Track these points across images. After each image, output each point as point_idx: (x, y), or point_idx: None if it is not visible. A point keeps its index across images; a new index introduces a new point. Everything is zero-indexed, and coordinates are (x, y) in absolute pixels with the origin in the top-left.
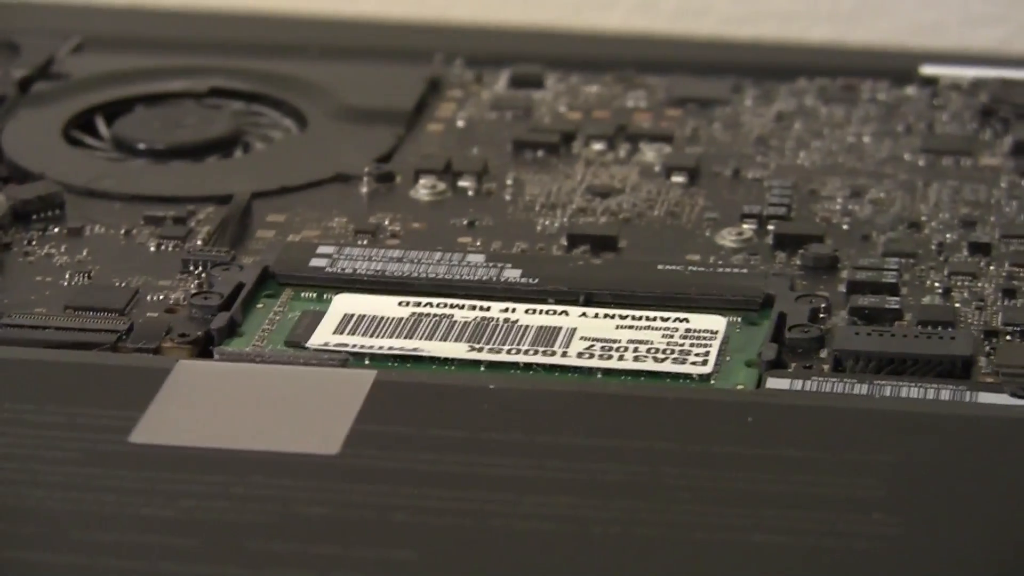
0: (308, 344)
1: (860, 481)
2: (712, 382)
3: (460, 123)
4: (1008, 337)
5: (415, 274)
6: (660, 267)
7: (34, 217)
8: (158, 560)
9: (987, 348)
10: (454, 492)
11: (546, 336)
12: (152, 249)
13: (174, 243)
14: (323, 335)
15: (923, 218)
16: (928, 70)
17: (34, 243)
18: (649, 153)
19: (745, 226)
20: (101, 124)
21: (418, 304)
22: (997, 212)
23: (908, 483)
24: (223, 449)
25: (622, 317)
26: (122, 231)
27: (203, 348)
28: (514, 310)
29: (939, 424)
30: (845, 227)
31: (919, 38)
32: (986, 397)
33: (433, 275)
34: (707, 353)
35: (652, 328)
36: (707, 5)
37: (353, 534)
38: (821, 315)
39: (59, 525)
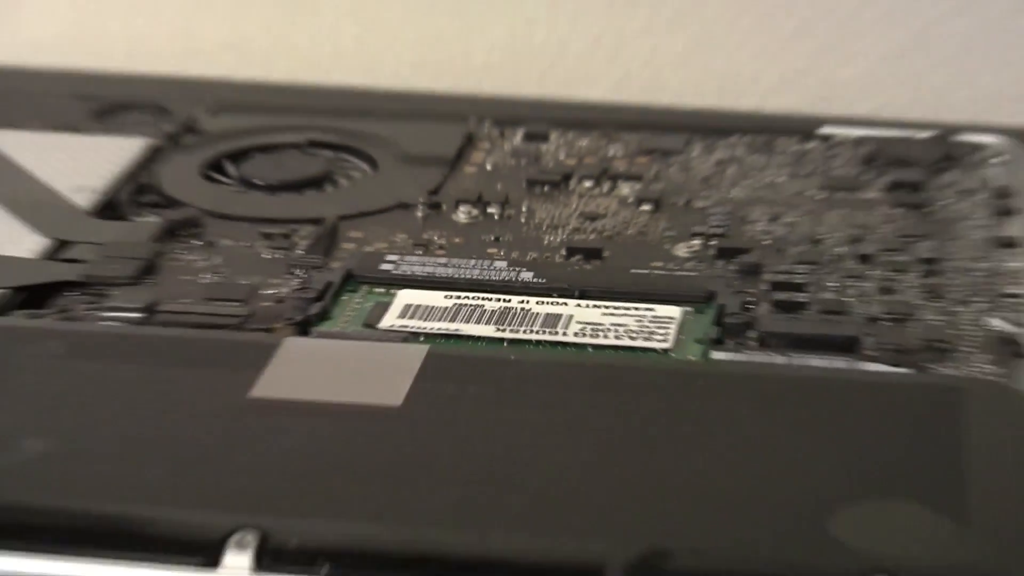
0: (379, 326)
1: (773, 409)
2: (671, 354)
3: (488, 166)
4: (885, 323)
5: (456, 276)
6: (633, 271)
7: (180, 233)
8: (264, 476)
9: (869, 330)
10: (484, 428)
11: (551, 321)
12: (266, 257)
13: (282, 252)
14: (390, 319)
15: (822, 236)
16: (825, 130)
17: (180, 252)
18: (625, 188)
19: (694, 241)
20: (229, 166)
21: (458, 297)
22: (875, 231)
23: (813, 414)
24: (317, 400)
25: (606, 307)
26: (245, 244)
27: (303, 329)
28: (528, 302)
29: (831, 383)
30: (766, 243)
31: (817, 107)
32: (868, 366)
33: (469, 276)
34: (667, 333)
35: (628, 315)
36: (664, 83)
37: (412, 467)
38: (749, 306)
39: (193, 454)
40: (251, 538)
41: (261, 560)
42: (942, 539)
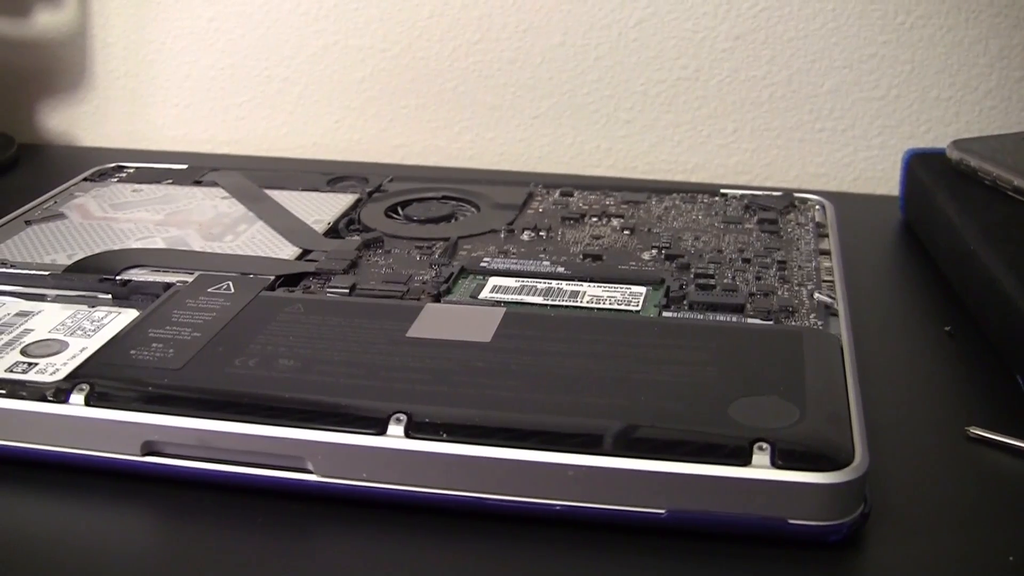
0: (479, 297)
1: (697, 344)
2: (640, 313)
3: (540, 210)
4: (758, 296)
5: (521, 269)
6: (619, 267)
7: (371, 246)
8: (412, 381)
9: (749, 301)
10: (535, 353)
11: (574, 294)
12: (418, 258)
13: (426, 256)
14: (485, 293)
15: (722, 248)
16: (724, 191)
17: (371, 257)
18: (614, 222)
19: (652, 251)
20: (400, 209)
21: (522, 281)
22: (751, 246)
23: (719, 348)
24: (440, 338)
25: (603, 287)
26: (406, 251)
27: (437, 298)
28: (560, 283)
29: (729, 329)
30: (692, 251)
31: (718, 180)
32: (749, 320)
33: (528, 270)
34: (638, 301)
35: (616, 291)
36: (634, 166)
37: (494, 376)
38: (683, 287)
39: (374, 368)
40: (403, 417)
41: (408, 431)
42: (792, 419)
